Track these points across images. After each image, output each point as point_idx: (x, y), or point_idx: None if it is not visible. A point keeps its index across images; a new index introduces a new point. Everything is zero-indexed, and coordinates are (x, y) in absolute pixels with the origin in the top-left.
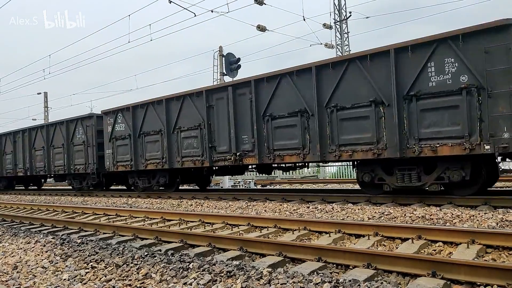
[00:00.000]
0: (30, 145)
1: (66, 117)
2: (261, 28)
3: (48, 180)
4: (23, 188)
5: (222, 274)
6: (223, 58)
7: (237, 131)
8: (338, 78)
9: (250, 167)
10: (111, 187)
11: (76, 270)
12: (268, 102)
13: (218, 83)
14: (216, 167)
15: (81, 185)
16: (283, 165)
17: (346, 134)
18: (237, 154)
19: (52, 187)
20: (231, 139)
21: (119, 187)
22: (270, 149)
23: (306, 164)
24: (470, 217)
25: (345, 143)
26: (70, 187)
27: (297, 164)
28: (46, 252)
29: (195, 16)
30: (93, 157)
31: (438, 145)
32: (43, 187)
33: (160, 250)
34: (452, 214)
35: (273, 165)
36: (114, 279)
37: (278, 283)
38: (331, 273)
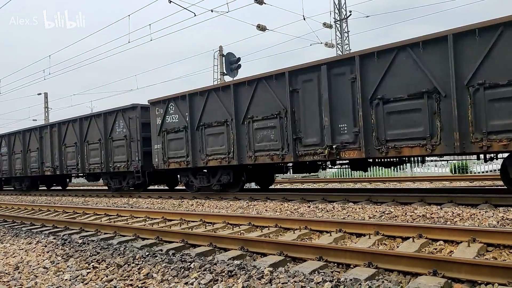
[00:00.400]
0: (59, 141)
1: (104, 109)
2: (261, 28)
3: (74, 180)
4: (45, 189)
5: (224, 274)
6: (223, 58)
7: (332, 119)
8: (490, 46)
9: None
10: (150, 188)
11: (78, 270)
12: (379, 83)
13: (218, 82)
14: (291, 164)
15: (120, 185)
16: (395, 159)
17: (499, 119)
18: (333, 146)
19: (81, 188)
20: (324, 129)
21: (158, 187)
22: (381, 139)
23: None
24: (470, 215)
25: (497, 130)
26: (101, 188)
27: (417, 158)
28: (48, 252)
29: (195, 16)
30: (138, 153)
31: None
32: (68, 188)
33: (161, 250)
34: (453, 213)
35: (384, 159)
36: (116, 279)
37: (279, 283)
38: (332, 272)
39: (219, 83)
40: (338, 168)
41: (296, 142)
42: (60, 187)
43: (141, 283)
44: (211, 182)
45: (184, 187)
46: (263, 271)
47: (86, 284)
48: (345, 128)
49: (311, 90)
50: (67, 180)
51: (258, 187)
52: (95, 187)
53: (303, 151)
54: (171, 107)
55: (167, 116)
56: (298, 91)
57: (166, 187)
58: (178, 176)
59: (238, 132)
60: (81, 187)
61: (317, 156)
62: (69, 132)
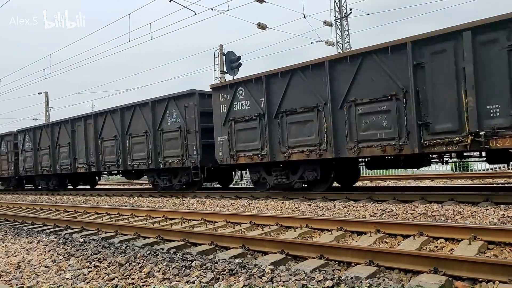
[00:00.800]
0: (96, 135)
1: (151, 97)
2: (262, 26)
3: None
4: (72, 188)
5: (225, 272)
6: (224, 56)
7: (478, 100)
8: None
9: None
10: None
11: (79, 269)
12: None
13: (219, 81)
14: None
15: (171, 184)
16: None
17: None
18: (480, 133)
19: (116, 187)
20: (466, 111)
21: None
22: None
23: None
24: (471, 213)
25: None
26: (143, 187)
27: None
28: (49, 251)
29: (195, 14)
30: (196, 147)
31: None
32: (97, 186)
33: (162, 249)
34: (454, 211)
35: None
36: (117, 278)
37: (281, 281)
38: (333, 270)
39: (306, 61)
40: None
41: (421, 129)
42: (88, 186)
43: (143, 282)
44: (290, 179)
45: (235, 184)
46: (264, 270)
47: (87, 283)
48: (497, 110)
49: (444, 63)
50: (97, 178)
51: (339, 185)
52: (133, 186)
53: (432, 140)
54: (241, 92)
55: (235, 103)
56: (424, 66)
57: (219, 185)
58: (240, 172)
59: (334, 118)
60: (114, 186)
61: (452, 146)
62: (108, 124)
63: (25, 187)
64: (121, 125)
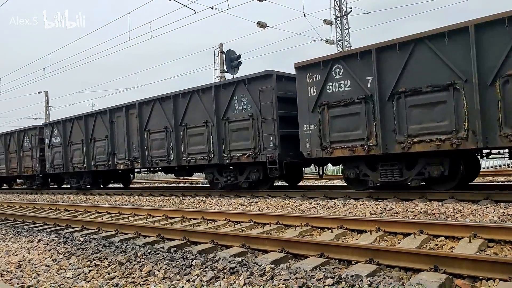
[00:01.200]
0: (141, 126)
1: (207, 83)
2: (262, 25)
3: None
4: (102, 187)
5: (225, 271)
6: (224, 55)
7: None
8: None
9: None
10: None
11: (80, 268)
12: None
13: (219, 80)
14: None
15: (236, 181)
16: None
17: None
18: None
19: (156, 185)
20: None
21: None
22: None
23: None
24: (471, 211)
25: None
26: (192, 185)
27: None
28: (50, 250)
29: (195, 13)
30: (274, 138)
31: None
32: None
33: (163, 248)
34: (454, 209)
35: None
36: (118, 276)
37: (281, 279)
38: (333, 268)
39: (434, 29)
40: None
41: None
42: (121, 185)
43: (143, 281)
44: (404, 176)
45: (287, 182)
46: (264, 268)
47: (88, 282)
48: None
49: None
50: (131, 176)
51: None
52: (181, 183)
53: None
54: (337, 70)
55: (328, 84)
56: None
57: (285, 183)
58: (332, 167)
59: (482, 98)
60: (154, 185)
61: None
62: (156, 113)
63: (50, 186)
64: (174, 115)
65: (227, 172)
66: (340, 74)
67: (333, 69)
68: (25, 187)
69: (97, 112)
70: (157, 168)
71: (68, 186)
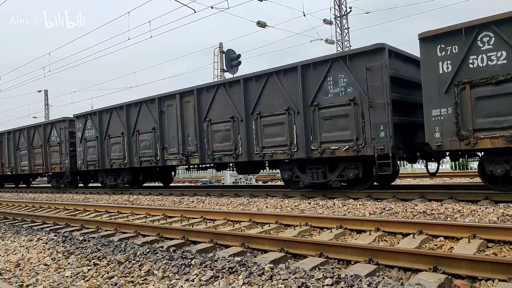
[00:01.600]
0: (199, 116)
1: (287, 63)
2: (261, 24)
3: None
4: (146, 186)
5: (224, 270)
6: (223, 54)
7: None
8: None
9: None
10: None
11: (79, 267)
12: None
13: (219, 79)
14: None
15: (325, 179)
16: None
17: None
18: None
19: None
20: None
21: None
22: None
23: None
24: (471, 211)
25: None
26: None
27: None
28: (48, 249)
29: (195, 12)
30: (386, 127)
31: None
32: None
33: (162, 247)
34: (453, 209)
35: None
36: (117, 276)
37: (280, 279)
38: (332, 268)
39: None
40: None
41: None
42: (161, 183)
43: (142, 280)
44: None
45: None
46: (263, 268)
47: (87, 281)
48: None
49: None
50: (172, 173)
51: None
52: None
53: None
54: (486, 39)
55: (472, 57)
56: None
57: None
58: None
59: None
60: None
61: None
62: (219, 101)
63: (79, 185)
64: (244, 102)
65: (312, 168)
66: (491, 43)
67: (479, 38)
68: (50, 185)
69: (142, 100)
70: (218, 164)
71: (99, 184)
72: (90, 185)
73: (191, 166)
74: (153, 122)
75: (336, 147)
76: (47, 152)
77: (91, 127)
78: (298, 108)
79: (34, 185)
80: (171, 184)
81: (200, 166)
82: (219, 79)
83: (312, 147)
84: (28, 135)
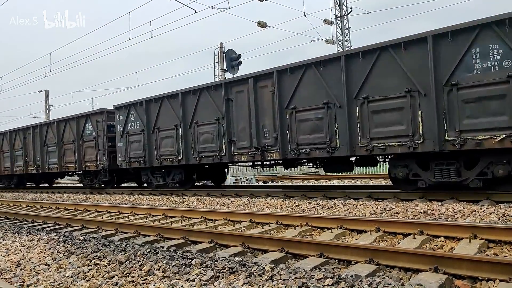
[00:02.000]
0: (280, 103)
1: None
2: (262, 24)
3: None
4: (200, 186)
5: (225, 270)
6: (224, 54)
7: None
8: None
9: None
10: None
11: (79, 267)
12: None
13: (219, 80)
14: None
15: (459, 177)
16: None
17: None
18: None
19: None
20: None
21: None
22: None
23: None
24: (472, 212)
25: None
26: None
27: None
28: (49, 249)
29: (195, 12)
30: None
31: None
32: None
33: (162, 247)
34: (454, 209)
35: None
36: (117, 275)
37: (281, 279)
38: (333, 268)
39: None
40: None
41: None
42: (212, 183)
43: (143, 280)
44: None
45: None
46: (264, 268)
47: (87, 281)
48: None
49: None
50: (225, 171)
51: None
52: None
53: None
54: None
55: None
56: None
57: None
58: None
59: None
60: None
61: None
62: (307, 85)
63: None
64: (345, 85)
65: (441, 164)
66: None
67: None
68: (81, 185)
69: (203, 87)
70: (303, 160)
71: (134, 184)
72: (123, 184)
73: (254, 164)
74: (217, 112)
75: (485, 137)
76: (80, 148)
77: (135, 119)
78: (427, 90)
79: (56, 185)
80: (224, 184)
81: (277, 162)
82: (219, 79)
83: (447, 137)
84: (58, 130)
